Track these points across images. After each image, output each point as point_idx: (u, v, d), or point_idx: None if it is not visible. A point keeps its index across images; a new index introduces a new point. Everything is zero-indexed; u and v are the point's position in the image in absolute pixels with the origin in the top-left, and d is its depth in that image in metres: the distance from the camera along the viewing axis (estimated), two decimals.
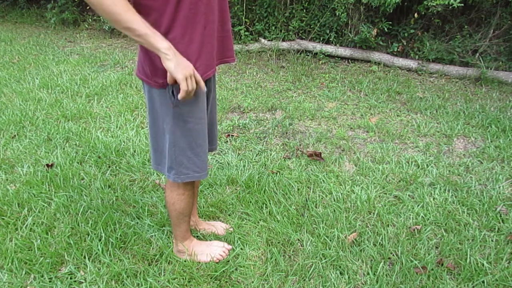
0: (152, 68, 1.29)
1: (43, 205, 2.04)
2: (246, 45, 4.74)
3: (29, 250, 1.75)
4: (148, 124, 1.46)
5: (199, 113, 1.36)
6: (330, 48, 4.47)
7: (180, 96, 1.22)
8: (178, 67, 1.18)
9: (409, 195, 2.15)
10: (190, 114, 1.33)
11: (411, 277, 1.63)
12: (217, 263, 1.69)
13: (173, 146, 1.38)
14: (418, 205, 2.06)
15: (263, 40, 4.72)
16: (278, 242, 1.81)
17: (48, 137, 2.74)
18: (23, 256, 1.71)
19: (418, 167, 2.42)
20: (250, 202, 2.07)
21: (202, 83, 1.25)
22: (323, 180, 2.27)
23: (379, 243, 1.82)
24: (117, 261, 1.69)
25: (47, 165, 2.39)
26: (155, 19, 1.20)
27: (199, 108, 1.35)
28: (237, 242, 1.81)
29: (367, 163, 2.45)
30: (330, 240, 1.82)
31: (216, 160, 2.48)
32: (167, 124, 1.36)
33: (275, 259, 1.72)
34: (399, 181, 2.29)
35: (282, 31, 4.75)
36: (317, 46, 4.51)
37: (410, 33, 4.29)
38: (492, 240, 1.83)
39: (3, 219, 1.94)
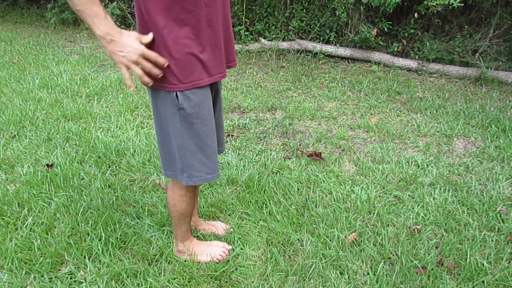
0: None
1: (43, 205, 2.04)
2: (246, 45, 4.74)
3: (29, 250, 1.75)
4: (155, 129, 1.44)
5: (205, 113, 1.34)
6: (330, 48, 4.47)
7: (127, 84, 1.21)
8: (114, 55, 1.17)
9: (409, 195, 2.15)
10: (196, 115, 1.32)
11: (411, 277, 1.63)
12: (217, 263, 1.69)
13: (182, 149, 1.36)
14: (418, 205, 2.06)
15: (263, 40, 4.72)
16: (278, 242, 1.81)
17: (48, 137, 2.74)
18: (23, 256, 1.71)
19: (418, 167, 2.42)
20: (250, 202, 2.07)
21: (160, 59, 1.20)
22: (323, 180, 2.27)
23: (379, 243, 1.82)
24: (117, 261, 1.69)
25: (47, 165, 2.39)
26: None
27: (205, 109, 1.34)
28: (237, 242, 1.81)
29: (367, 163, 2.45)
30: (330, 240, 1.82)
31: None
32: (174, 128, 1.34)
33: (275, 259, 1.72)
34: (399, 181, 2.29)
35: (282, 31, 4.75)
36: (317, 46, 4.51)
37: (410, 33, 4.29)
38: (492, 240, 1.83)
39: (3, 219, 1.94)
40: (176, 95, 1.28)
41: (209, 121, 1.37)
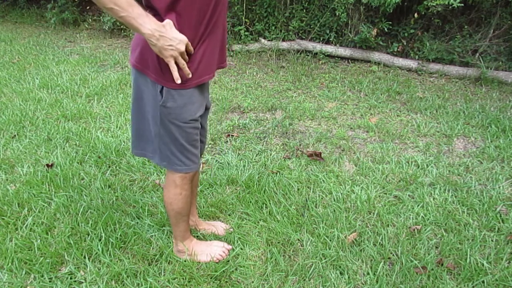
0: (146, 58, 1.27)
1: (43, 205, 2.04)
2: (246, 45, 4.74)
3: (29, 250, 1.75)
4: (132, 111, 1.41)
5: (185, 117, 1.32)
6: (330, 48, 4.47)
7: (175, 77, 1.21)
8: (165, 51, 1.16)
9: (409, 195, 2.15)
10: (176, 116, 1.31)
11: (411, 277, 1.63)
12: (217, 263, 1.69)
13: (158, 136, 1.37)
14: (418, 205, 2.06)
15: (263, 40, 4.72)
16: (278, 242, 1.81)
17: (48, 137, 2.74)
18: (23, 256, 1.71)
19: (418, 167, 2.42)
20: (250, 202, 2.07)
21: (190, 47, 1.22)
22: (323, 180, 2.27)
23: (379, 243, 1.82)
24: (117, 261, 1.69)
25: (47, 165, 2.39)
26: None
27: (187, 112, 1.32)
28: (237, 242, 1.81)
29: (367, 163, 2.45)
30: (330, 240, 1.82)
31: (216, 160, 2.48)
32: (153, 118, 1.34)
33: (275, 259, 1.72)
34: (399, 181, 2.29)
35: (282, 31, 4.75)
36: (317, 46, 4.51)
37: (410, 33, 4.29)
38: (492, 240, 1.83)
39: (3, 219, 1.94)
40: (161, 91, 1.27)
41: (190, 125, 1.34)
